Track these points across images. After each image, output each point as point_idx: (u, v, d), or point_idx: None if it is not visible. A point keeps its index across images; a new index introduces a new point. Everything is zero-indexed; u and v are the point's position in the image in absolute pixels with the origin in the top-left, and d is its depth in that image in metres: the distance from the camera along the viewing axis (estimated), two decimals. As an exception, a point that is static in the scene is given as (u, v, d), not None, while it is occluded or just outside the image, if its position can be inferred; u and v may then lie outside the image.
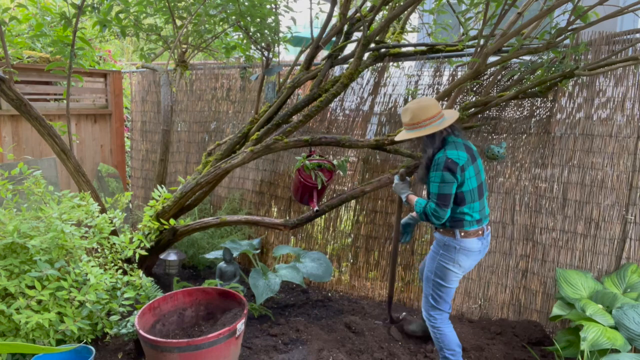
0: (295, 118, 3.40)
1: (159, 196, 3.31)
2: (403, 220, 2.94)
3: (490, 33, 2.57)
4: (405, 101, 3.78)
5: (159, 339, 2.35)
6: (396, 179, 2.74)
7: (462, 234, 2.42)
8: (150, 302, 2.72)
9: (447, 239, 2.45)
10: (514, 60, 3.25)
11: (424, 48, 3.56)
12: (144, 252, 3.06)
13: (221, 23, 3.58)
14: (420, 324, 3.11)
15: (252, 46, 3.69)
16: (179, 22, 3.61)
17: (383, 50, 3.49)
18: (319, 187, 3.21)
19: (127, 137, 5.74)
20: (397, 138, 2.49)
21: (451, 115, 2.40)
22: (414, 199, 2.54)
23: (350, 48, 3.55)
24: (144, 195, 5.33)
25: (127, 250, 3.00)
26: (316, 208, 3.20)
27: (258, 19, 3.32)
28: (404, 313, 3.30)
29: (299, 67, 3.59)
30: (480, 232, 2.46)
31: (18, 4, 3.38)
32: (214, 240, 4.25)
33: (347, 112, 4.06)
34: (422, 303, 2.64)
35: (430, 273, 2.54)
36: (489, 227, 2.56)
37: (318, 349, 2.87)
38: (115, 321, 2.81)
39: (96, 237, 2.93)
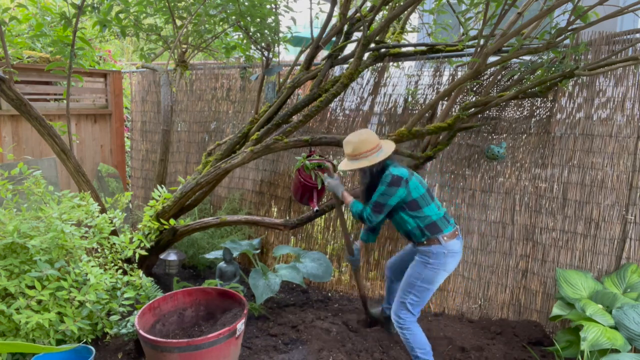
0: (295, 118, 3.40)
1: (159, 196, 3.31)
2: (356, 248, 3.02)
3: (490, 33, 2.57)
4: (406, 101, 3.78)
5: (159, 339, 2.35)
6: (327, 177, 2.90)
7: (445, 238, 2.53)
8: (150, 302, 2.72)
9: (434, 247, 2.54)
10: (514, 60, 3.25)
11: (424, 48, 3.56)
12: (144, 252, 3.06)
13: (221, 23, 3.58)
14: (377, 312, 3.20)
15: (252, 46, 3.69)
16: (179, 22, 3.61)
17: (383, 50, 3.49)
18: (319, 187, 3.21)
19: (127, 137, 5.74)
20: (341, 167, 2.66)
21: (389, 147, 2.59)
22: (349, 198, 2.72)
23: (350, 48, 3.55)
24: (144, 195, 5.33)
25: (127, 250, 3.00)
26: (316, 208, 3.20)
27: (258, 19, 3.32)
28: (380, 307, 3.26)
29: (299, 67, 3.59)
30: (456, 233, 2.60)
31: (18, 4, 3.38)
32: (214, 240, 4.25)
33: (347, 112, 4.06)
34: (394, 306, 2.66)
35: (415, 279, 2.57)
36: (452, 234, 2.61)
37: (318, 349, 2.87)
38: (115, 321, 2.81)
39: (96, 237, 2.93)
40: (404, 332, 2.61)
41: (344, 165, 2.62)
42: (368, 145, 2.52)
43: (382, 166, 2.57)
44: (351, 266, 3.15)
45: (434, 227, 2.54)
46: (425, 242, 2.56)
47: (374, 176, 2.57)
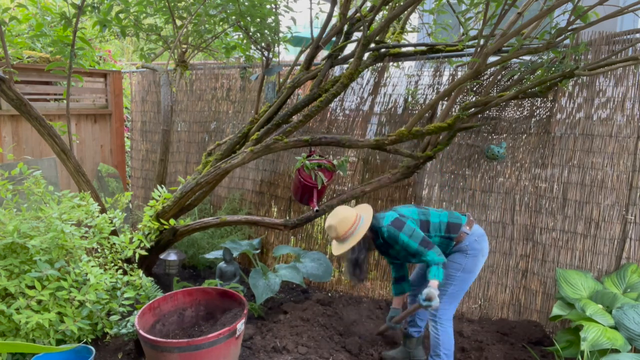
0: (295, 118, 3.40)
1: (159, 196, 3.31)
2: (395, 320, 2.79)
3: (490, 33, 2.57)
4: (406, 101, 3.78)
5: (159, 339, 2.35)
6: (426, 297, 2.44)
7: (467, 227, 2.59)
8: (150, 302, 2.72)
9: (465, 240, 2.57)
10: (514, 60, 3.25)
11: (424, 48, 3.56)
12: (144, 252, 3.06)
13: (221, 23, 3.58)
14: (400, 351, 2.92)
15: (252, 46, 3.69)
16: (179, 22, 3.61)
17: (383, 50, 3.49)
18: (319, 187, 3.21)
19: (127, 137, 5.74)
20: (335, 253, 2.61)
21: (366, 212, 2.60)
22: (434, 283, 2.43)
23: (350, 48, 3.54)
24: (144, 195, 5.33)
25: (127, 250, 3.00)
26: (316, 208, 3.20)
27: (258, 19, 3.32)
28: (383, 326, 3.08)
29: (299, 67, 3.59)
30: (471, 219, 2.66)
31: (18, 4, 3.38)
32: (214, 240, 4.25)
33: (347, 112, 4.06)
34: (441, 308, 2.55)
35: (455, 271, 2.56)
36: (469, 222, 2.65)
37: (318, 348, 2.87)
38: (115, 321, 2.81)
39: (96, 237, 2.93)
40: (438, 328, 2.55)
41: (336, 250, 2.60)
42: (348, 222, 2.53)
43: (374, 230, 2.60)
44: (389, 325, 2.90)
45: (452, 227, 2.58)
46: (454, 247, 2.60)
47: (365, 248, 2.59)
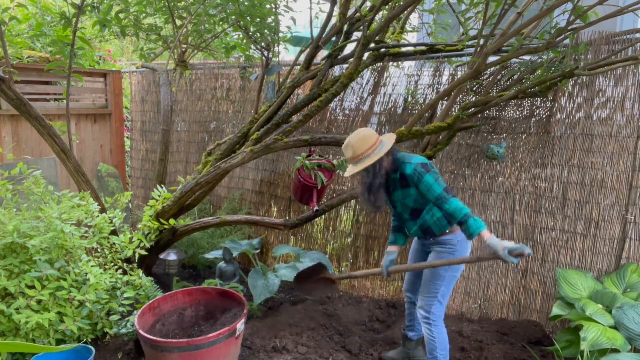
0: (295, 118, 3.40)
1: (159, 196, 3.31)
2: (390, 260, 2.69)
3: (490, 33, 2.57)
4: (406, 101, 3.78)
5: (159, 339, 2.35)
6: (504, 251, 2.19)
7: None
8: (150, 302, 2.72)
9: (458, 234, 2.47)
10: (514, 60, 3.25)
11: (424, 48, 3.56)
12: (143, 252, 3.06)
13: (221, 23, 3.58)
14: (400, 351, 2.92)
15: (252, 46, 3.69)
16: (179, 22, 3.61)
17: (383, 50, 3.49)
18: (319, 187, 3.21)
19: (127, 137, 5.74)
20: (347, 174, 2.46)
21: (389, 139, 2.42)
22: (487, 234, 2.24)
23: (350, 48, 3.55)
24: (144, 195, 5.33)
25: (127, 250, 3.00)
26: (316, 208, 3.20)
27: (258, 19, 3.32)
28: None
29: (299, 67, 3.59)
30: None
31: (18, 4, 3.38)
32: (214, 240, 4.25)
33: (347, 112, 4.06)
34: (423, 304, 2.55)
35: (444, 271, 2.49)
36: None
37: (318, 348, 2.87)
38: (115, 321, 2.81)
39: (96, 237, 2.93)
40: (432, 330, 2.52)
41: (350, 171, 2.42)
42: (368, 143, 2.35)
43: (394, 163, 2.43)
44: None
45: (453, 216, 2.36)
46: (448, 231, 2.48)
47: (380, 174, 2.40)
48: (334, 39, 3.34)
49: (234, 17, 3.31)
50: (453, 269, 2.52)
